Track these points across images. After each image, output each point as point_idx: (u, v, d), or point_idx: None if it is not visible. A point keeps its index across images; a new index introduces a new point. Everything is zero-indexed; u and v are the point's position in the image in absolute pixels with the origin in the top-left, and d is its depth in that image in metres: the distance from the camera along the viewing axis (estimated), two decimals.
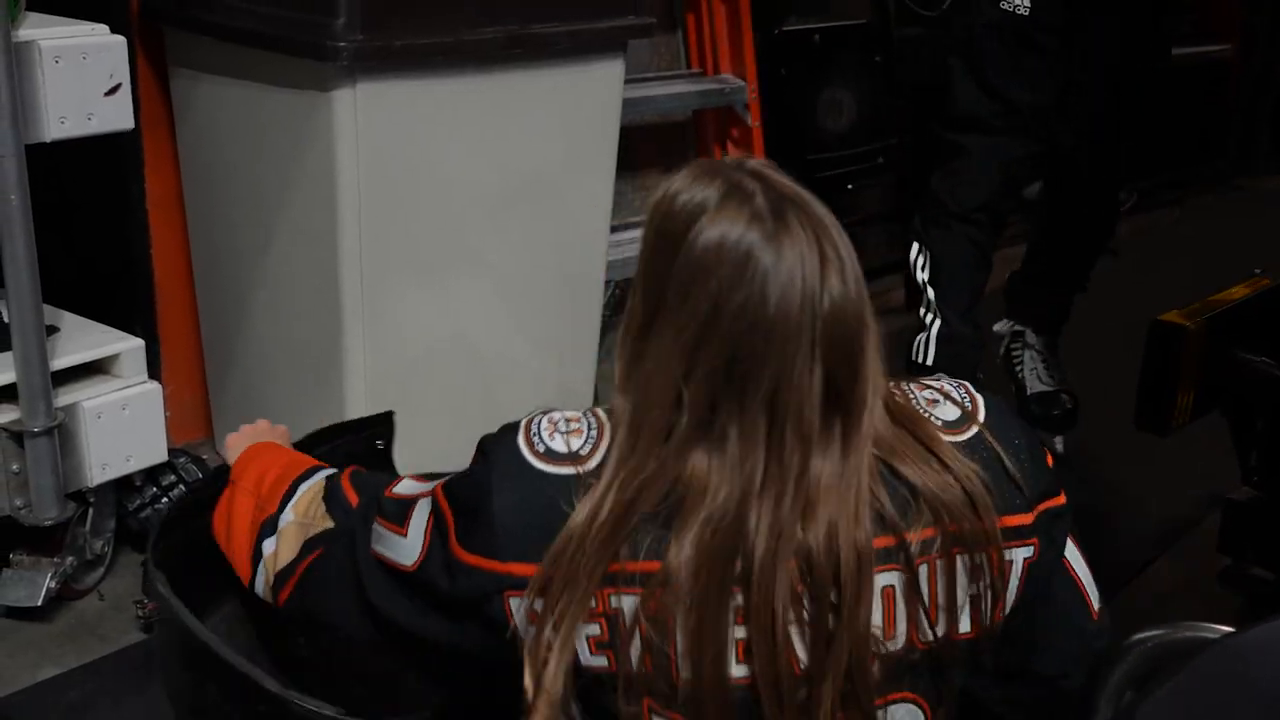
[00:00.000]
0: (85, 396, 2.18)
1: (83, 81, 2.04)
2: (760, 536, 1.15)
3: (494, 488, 1.24)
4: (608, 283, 3.09)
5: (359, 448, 1.89)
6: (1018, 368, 3.22)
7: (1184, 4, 3.23)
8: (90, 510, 2.25)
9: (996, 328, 3.32)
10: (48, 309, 2.09)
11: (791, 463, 1.16)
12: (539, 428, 1.27)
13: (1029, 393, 3.18)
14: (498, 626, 1.25)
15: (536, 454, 1.25)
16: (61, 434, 2.09)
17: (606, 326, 3.25)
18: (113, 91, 2.09)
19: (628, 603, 1.19)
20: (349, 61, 2.19)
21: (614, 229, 3.20)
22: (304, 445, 1.77)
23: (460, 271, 2.51)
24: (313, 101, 2.26)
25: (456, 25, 2.33)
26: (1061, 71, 2.81)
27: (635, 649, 1.19)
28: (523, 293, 2.64)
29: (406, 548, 1.30)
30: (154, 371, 2.65)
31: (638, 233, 3.58)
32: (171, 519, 1.67)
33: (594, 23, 2.55)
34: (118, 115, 2.11)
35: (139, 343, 2.28)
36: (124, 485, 2.32)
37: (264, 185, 2.43)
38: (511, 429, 1.29)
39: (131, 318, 2.62)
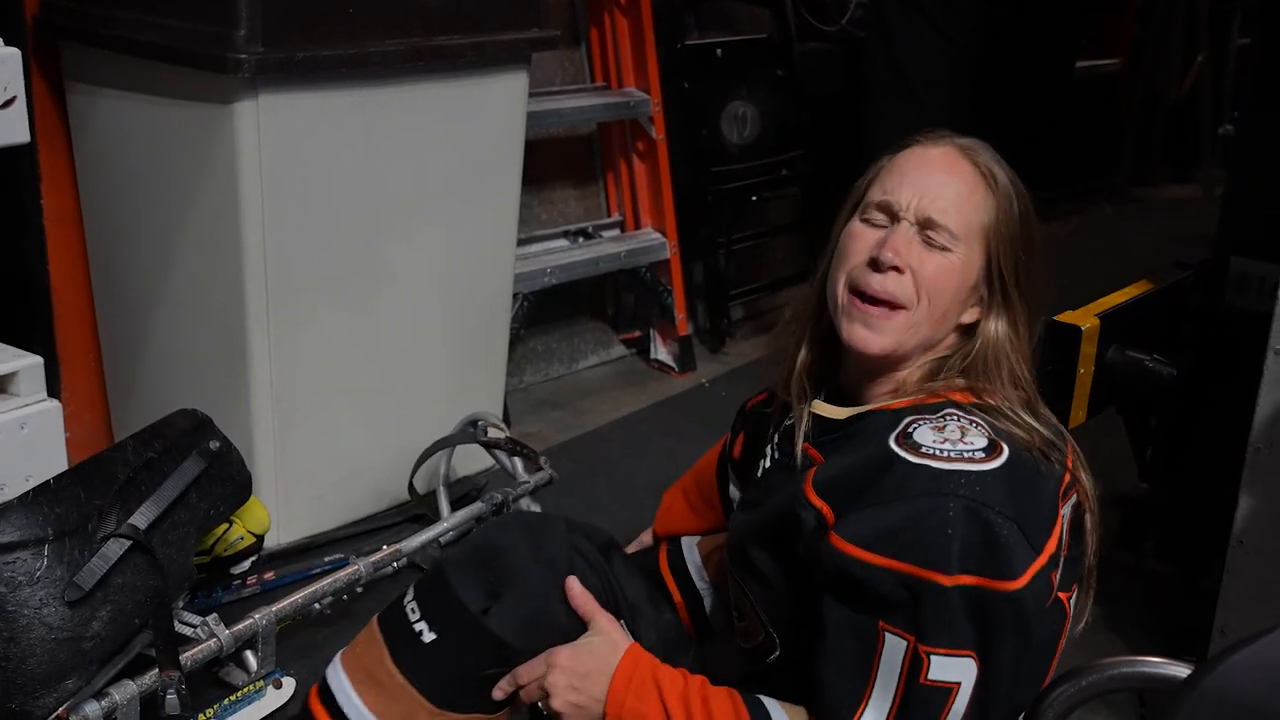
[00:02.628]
0: None
1: None
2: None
3: (984, 511, 1.28)
4: (515, 295, 3.10)
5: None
6: None
7: (1085, 18, 3.32)
8: None
9: None
10: None
11: None
12: (942, 447, 1.34)
13: None
14: (1054, 604, 1.36)
15: (974, 460, 1.32)
16: None
17: (515, 339, 3.26)
18: (7, 105, 2.04)
19: (1066, 509, 1.39)
20: (250, 74, 2.17)
21: (520, 242, 3.22)
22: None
23: (367, 283, 2.50)
24: (214, 114, 2.23)
25: (359, 37, 2.32)
26: (965, 60, 2.88)
27: (1067, 546, 1.39)
28: (430, 304, 2.63)
29: (965, 682, 1.31)
30: (53, 390, 2.60)
31: (544, 245, 3.61)
32: None
33: (498, 35, 2.55)
34: (12, 129, 2.06)
35: (37, 360, 2.23)
36: None
37: (166, 200, 2.40)
38: (929, 476, 1.32)
39: (30, 336, 2.56)
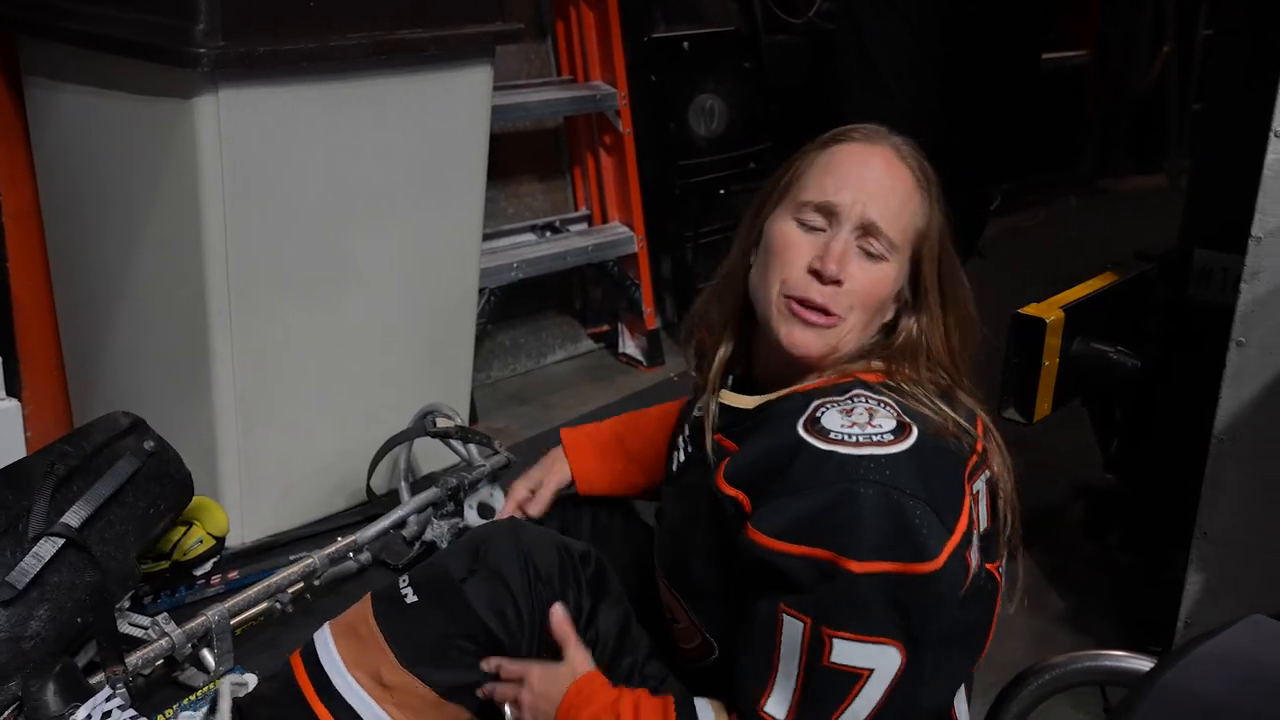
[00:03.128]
0: None
1: None
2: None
3: (896, 495, 1.28)
4: (482, 290, 3.08)
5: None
6: None
7: (1052, 11, 3.32)
8: None
9: None
10: None
11: None
12: (850, 431, 1.33)
13: None
14: (982, 577, 1.38)
15: (883, 443, 1.31)
16: None
17: (482, 334, 3.25)
18: None
19: (978, 485, 1.40)
20: (210, 68, 2.15)
21: (487, 236, 3.20)
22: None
23: (330, 279, 2.48)
24: (174, 109, 2.21)
25: (322, 31, 2.30)
26: (934, 53, 2.88)
27: (986, 521, 1.43)
28: (395, 300, 2.61)
29: (881, 669, 1.29)
30: (13, 389, 2.57)
31: (511, 239, 3.58)
32: None
33: (461, 28, 2.53)
34: None
35: None
36: None
37: (126, 196, 2.38)
38: (838, 463, 1.31)
39: None
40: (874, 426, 1.33)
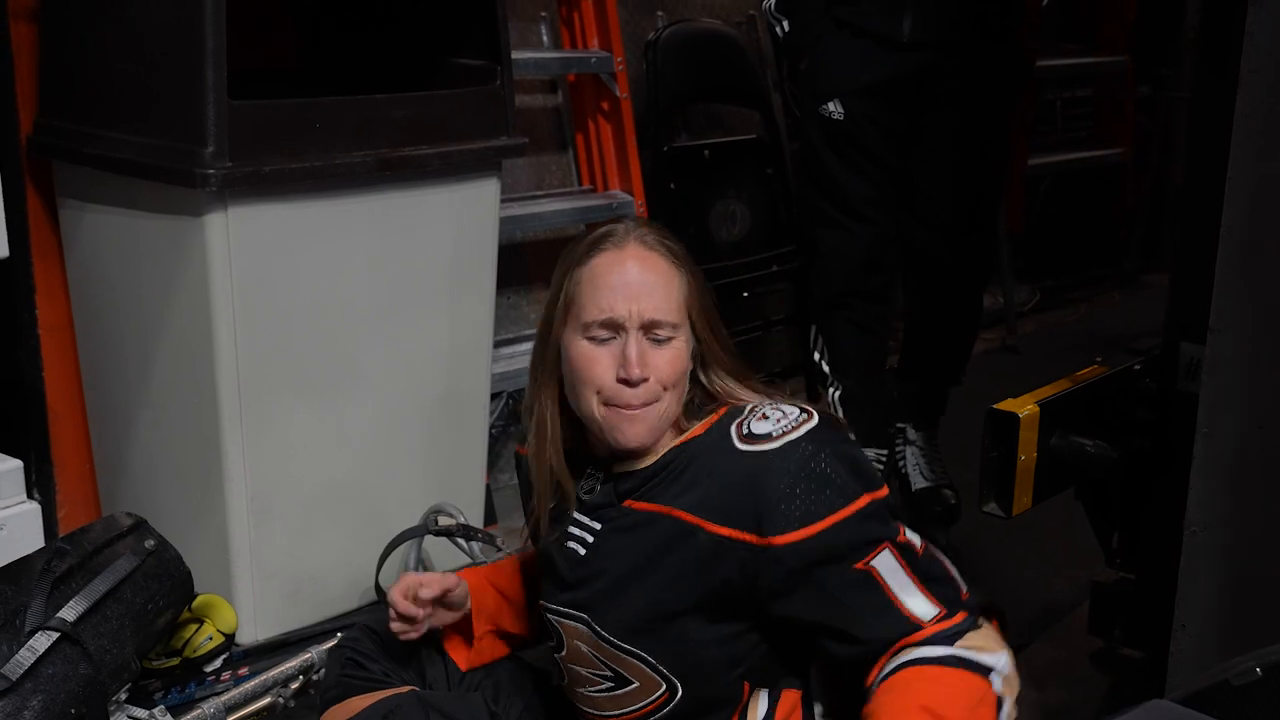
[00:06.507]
0: None
1: None
2: None
3: (839, 446, 1.60)
4: (499, 394, 3.17)
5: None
6: (900, 464, 3.30)
7: (1013, 112, 3.31)
8: None
9: None
10: None
11: None
12: (780, 425, 1.57)
13: (913, 489, 3.25)
14: None
15: (806, 422, 1.58)
16: None
17: (502, 436, 3.33)
18: None
19: None
20: (219, 187, 2.28)
21: (508, 341, 3.30)
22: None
23: (338, 385, 2.58)
24: (186, 227, 2.34)
25: (326, 149, 2.43)
26: (894, 167, 2.98)
27: None
28: (403, 405, 2.70)
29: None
30: (47, 494, 2.70)
31: (531, 345, 3.66)
32: None
33: (466, 144, 2.65)
34: None
35: (17, 463, 2.33)
36: None
37: (145, 309, 2.51)
38: (791, 449, 1.55)
39: (24, 441, 2.68)
40: (788, 417, 1.57)
